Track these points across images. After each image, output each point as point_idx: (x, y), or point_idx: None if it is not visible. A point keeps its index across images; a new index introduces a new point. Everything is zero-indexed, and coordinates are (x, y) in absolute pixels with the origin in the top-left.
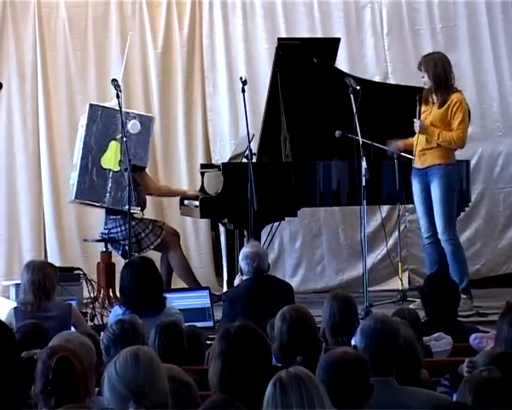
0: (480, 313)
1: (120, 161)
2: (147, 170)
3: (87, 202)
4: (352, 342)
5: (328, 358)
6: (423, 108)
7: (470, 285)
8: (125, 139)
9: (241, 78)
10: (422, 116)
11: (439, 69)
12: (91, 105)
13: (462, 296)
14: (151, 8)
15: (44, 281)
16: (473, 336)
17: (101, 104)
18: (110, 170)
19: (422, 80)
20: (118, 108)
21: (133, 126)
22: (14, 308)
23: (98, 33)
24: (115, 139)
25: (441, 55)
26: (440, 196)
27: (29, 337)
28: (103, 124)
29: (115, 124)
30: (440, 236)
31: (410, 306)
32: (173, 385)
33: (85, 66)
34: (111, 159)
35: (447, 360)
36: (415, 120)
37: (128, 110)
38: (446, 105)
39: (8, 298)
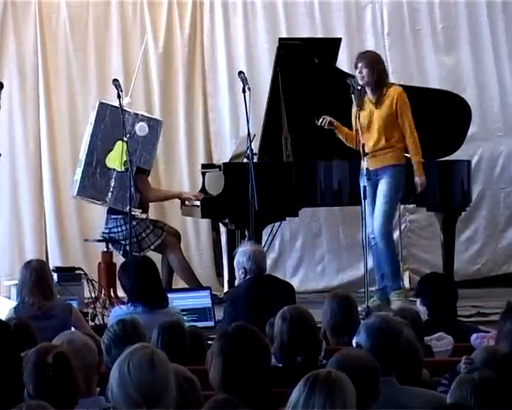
0: (480, 313)
1: (125, 161)
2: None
3: (89, 199)
4: (354, 342)
5: (338, 359)
6: (355, 108)
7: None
8: (125, 139)
9: (240, 72)
10: (361, 117)
11: (382, 65)
12: (101, 103)
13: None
14: (152, 9)
15: (46, 281)
16: (474, 336)
17: (111, 103)
18: (114, 170)
19: (359, 76)
20: (128, 109)
21: (141, 129)
22: (14, 308)
23: (99, 33)
24: (122, 140)
25: (378, 53)
26: (385, 194)
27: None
28: (111, 123)
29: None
30: (376, 232)
31: None
32: (177, 381)
33: (86, 66)
34: (116, 159)
35: (448, 360)
36: None
37: (137, 112)
38: (388, 102)
39: (10, 298)
